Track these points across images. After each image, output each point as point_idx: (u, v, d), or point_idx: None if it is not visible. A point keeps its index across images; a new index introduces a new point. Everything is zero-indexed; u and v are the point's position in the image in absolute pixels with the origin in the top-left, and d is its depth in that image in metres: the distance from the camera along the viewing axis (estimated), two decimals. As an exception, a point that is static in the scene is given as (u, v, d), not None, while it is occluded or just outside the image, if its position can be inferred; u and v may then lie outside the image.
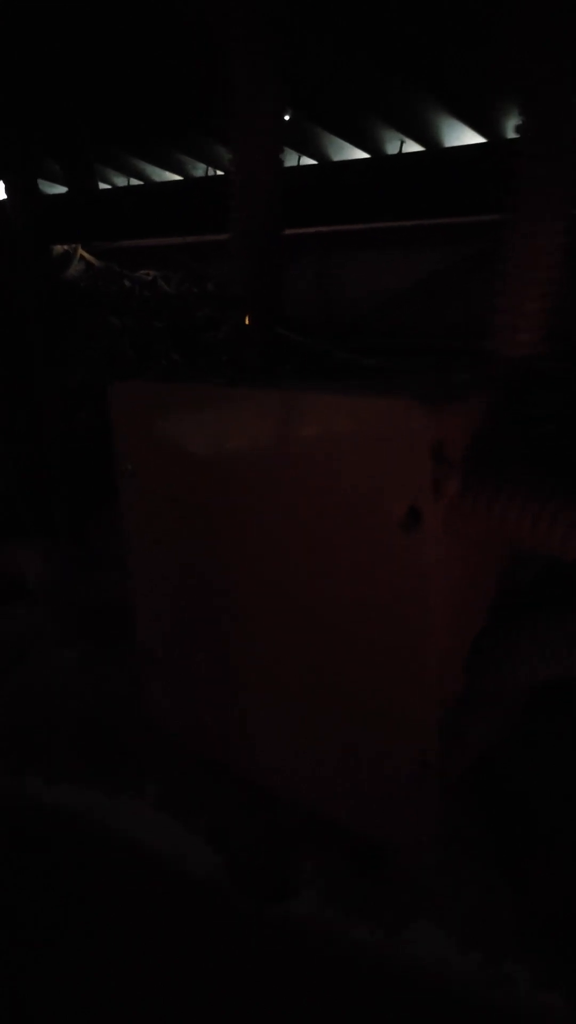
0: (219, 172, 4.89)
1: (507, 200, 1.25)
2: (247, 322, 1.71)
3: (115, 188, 5.01)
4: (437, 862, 1.34)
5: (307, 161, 4.44)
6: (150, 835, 1.57)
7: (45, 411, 3.20)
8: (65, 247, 5.24)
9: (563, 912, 1.27)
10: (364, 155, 4.29)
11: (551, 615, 1.20)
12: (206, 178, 4.78)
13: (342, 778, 1.30)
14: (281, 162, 1.89)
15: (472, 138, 4.02)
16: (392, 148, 4.27)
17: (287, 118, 4.16)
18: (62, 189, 5.10)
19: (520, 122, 1.31)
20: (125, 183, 5.01)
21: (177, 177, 4.81)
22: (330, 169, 4.46)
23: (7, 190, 3.46)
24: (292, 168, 4.72)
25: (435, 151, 4.12)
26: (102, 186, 4.96)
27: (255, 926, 1.41)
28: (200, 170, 4.74)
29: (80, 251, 5.27)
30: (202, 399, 1.28)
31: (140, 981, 1.38)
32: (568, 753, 1.47)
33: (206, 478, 1.32)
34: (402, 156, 4.27)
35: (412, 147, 4.22)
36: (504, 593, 1.32)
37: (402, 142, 4.22)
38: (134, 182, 4.98)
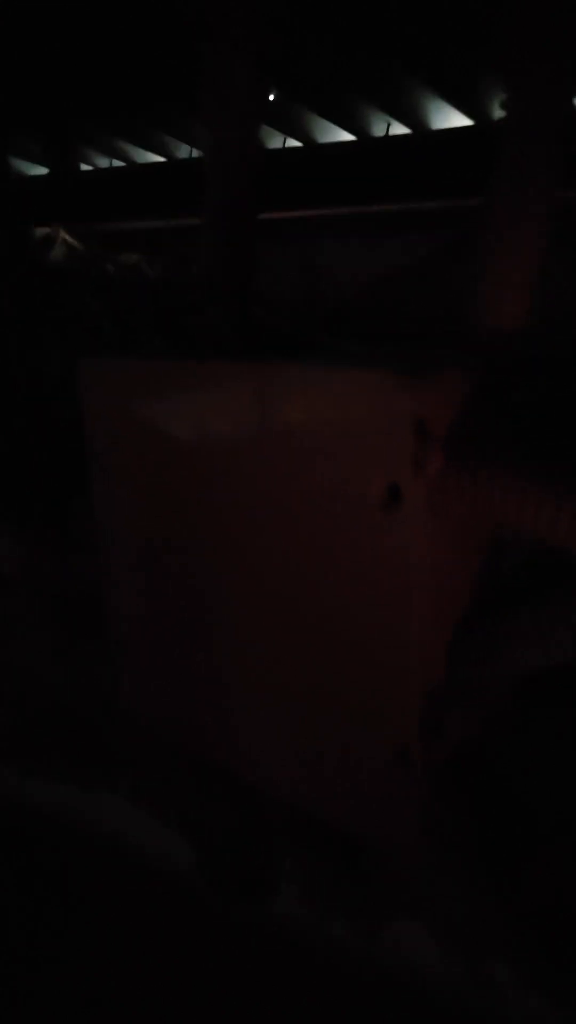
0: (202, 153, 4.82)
1: (493, 171, 1.20)
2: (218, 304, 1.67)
3: (97, 169, 4.93)
4: (419, 860, 1.29)
5: (292, 143, 4.37)
6: (124, 830, 1.52)
7: (21, 397, 3.14)
8: (47, 230, 5.14)
9: (556, 912, 1.22)
10: (350, 137, 4.23)
11: (536, 601, 1.15)
12: (190, 160, 4.70)
13: (321, 771, 1.25)
14: (257, 142, 1.84)
15: (459, 120, 3.97)
16: (379, 130, 4.21)
17: (271, 98, 4.09)
18: (43, 170, 5.01)
19: (505, 95, 1.27)
20: (107, 164, 4.93)
21: (160, 158, 4.73)
22: (315, 151, 4.39)
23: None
24: (277, 150, 4.66)
25: (422, 133, 4.07)
26: (83, 167, 4.87)
27: (232, 924, 1.36)
28: (184, 151, 4.67)
29: (62, 233, 5.18)
30: (174, 374, 1.22)
31: (112, 977, 1.33)
32: (562, 750, 1.42)
33: (178, 457, 1.25)
34: (389, 138, 4.22)
35: (399, 129, 4.17)
36: (488, 581, 1.26)
37: (388, 124, 4.16)
38: (116, 163, 4.90)
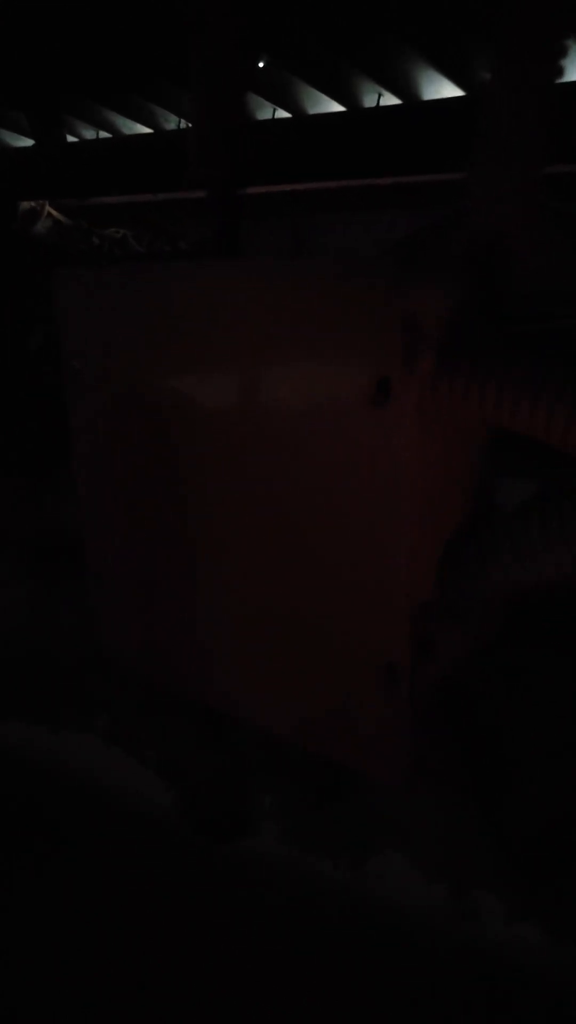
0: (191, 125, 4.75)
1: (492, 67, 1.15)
2: None
3: (84, 141, 4.86)
4: (403, 791, 1.24)
5: (282, 114, 4.33)
6: (100, 771, 1.46)
7: (4, 369, 3.10)
8: (32, 203, 5.07)
9: (542, 841, 1.18)
10: (341, 108, 4.18)
11: (528, 516, 1.10)
12: (178, 131, 4.64)
13: (306, 696, 1.19)
14: (242, 110, 1.85)
15: (451, 91, 3.93)
16: (370, 101, 4.17)
17: (261, 65, 4.04)
18: (29, 142, 4.93)
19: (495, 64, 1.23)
20: (94, 136, 4.86)
21: (148, 130, 4.67)
22: (306, 123, 4.35)
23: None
24: (266, 121, 4.61)
25: (414, 104, 4.03)
26: (70, 139, 4.80)
27: (211, 864, 1.31)
28: (173, 123, 4.61)
29: (48, 208, 5.11)
30: (153, 278, 1.16)
31: (90, 920, 1.28)
32: (546, 683, 1.38)
33: (157, 366, 1.20)
34: (379, 109, 4.18)
35: (390, 100, 4.13)
36: (481, 497, 1.22)
37: (380, 95, 4.12)
38: (103, 135, 4.83)
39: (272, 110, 4.27)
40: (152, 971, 1.19)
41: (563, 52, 1.16)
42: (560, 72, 1.17)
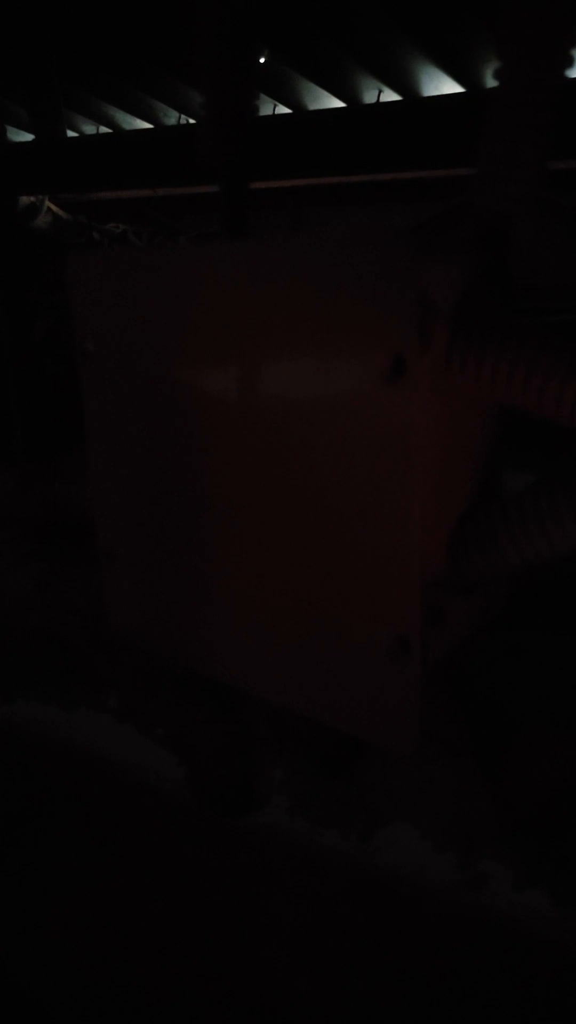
0: (192, 121, 4.77)
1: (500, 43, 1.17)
2: None
3: (83, 136, 4.87)
4: (412, 762, 1.27)
5: (282, 109, 4.35)
6: (111, 747, 1.48)
7: (10, 362, 3.12)
8: (32, 198, 5.07)
9: (549, 810, 1.20)
10: (340, 104, 4.21)
11: (537, 492, 1.12)
12: (178, 127, 4.66)
13: (318, 668, 1.22)
14: (248, 103, 1.86)
15: (451, 87, 3.96)
16: (370, 97, 4.19)
17: (262, 60, 4.06)
18: (28, 136, 4.94)
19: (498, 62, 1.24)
20: (94, 131, 4.87)
21: (148, 125, 4.69)
22: (305, 119, 4.36)
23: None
24: (266, 117, 4.63)
25: (414, 100, 4.06)
26: (70, 134, 4.81)
27: (222, 837, 1.33)
28: (172, 118, 4.63)
29: (48, 203, 5.12)
30: (166, 261, 1.18)
31: (103, 896, 1.30)
32: (549, 652, 1.41)
33: (170, 347, 1.22)
34: (380, 105, 4.20)
35: (390, 96, 4.16)
36: (494, 471, 1.24)
37: (380, 91, 4.15)
38: (103, 130, 4.85)
39: (273, 106, 4.29)
40: (161, 940, 1.22)
41: (573, 40, 1.18)
42: (571, 61, 1.19)
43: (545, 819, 1.19)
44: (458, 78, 3.85)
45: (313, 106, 4.21)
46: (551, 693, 1.36)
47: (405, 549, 1.06)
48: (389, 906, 1.21)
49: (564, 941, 1.11)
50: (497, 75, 1.21)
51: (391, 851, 1.24)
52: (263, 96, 4.13)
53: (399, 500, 1.04)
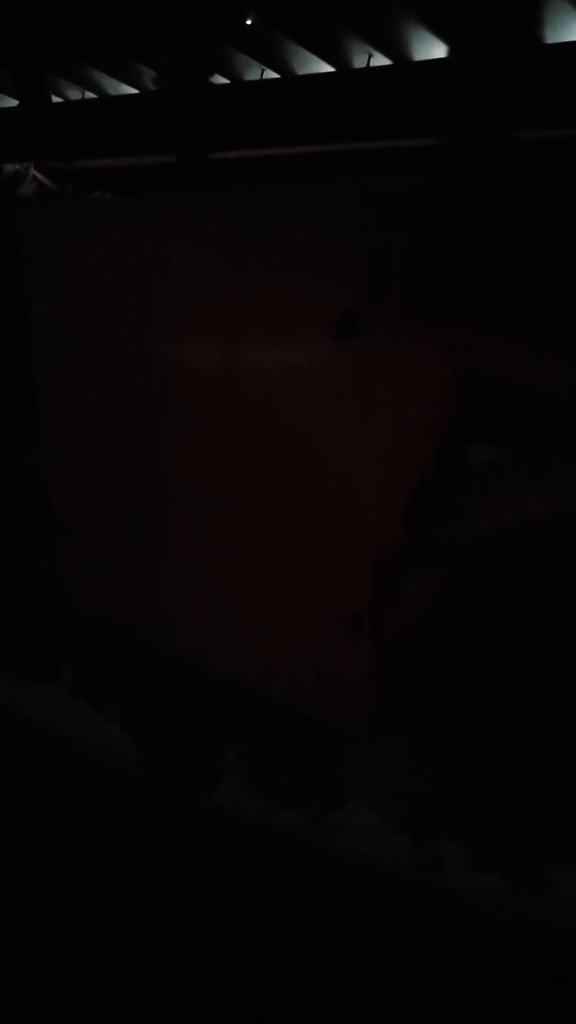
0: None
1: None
2: None
3: (69, 101, 4.75)
4: (366, 740, 1.23)
5: (270, 74, 4.23)
6: (64, 723, 1.44)
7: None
8: (16, 166, 4.97)
9: (508, 792, 1.17)
10: (330, 68, 4.09)
11: (502, 465, 1.08)
12: (165, 91, 4.54)
13: (272, 646, 1.17)
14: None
15: (443, 51, 3.85)
16: (360, 62, 4.08)
17: (248, 22, 3.95)
18: (13, 102, 4.82)
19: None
20: (80, 96, 4.75)
21: (134, 90, 4.56)
22: (295, 84, 4.25)
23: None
24: (255, 82, 4.51)
25: (405, 65, 3.95)
26: (55, 99, 4.70)
27: (175, 816, 1.30)
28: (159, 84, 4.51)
29: (32, 171, 5.02)
30: (122, 209, 1.12)
31: (56, 874, 1.26)
32: (524, 629, 1.37)
33: (123, 304, 1.16)
34: (370, 70, 4.09)
35: (380, 60, 4.04)
36: (453, 445, 1.19)
37: (370, 55, 4.04)
38: (89, 95, 4.72)
39: (260, 71, 4.18)
40: (115, 921, 1.18)
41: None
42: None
43: (506, 800, 1.15)
44: (450, 43, 3.74)
45: (302, 71, 4.10)
46: (525, 670, 1.33)
47: (356, 523, 1.01)
48: (342, 887, 1.18)
49: (517, 923, 1.08)
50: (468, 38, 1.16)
51: (346, 831, 1.21)
52: (251, 61, 4.03)
53: (350, 466, 1.00)
